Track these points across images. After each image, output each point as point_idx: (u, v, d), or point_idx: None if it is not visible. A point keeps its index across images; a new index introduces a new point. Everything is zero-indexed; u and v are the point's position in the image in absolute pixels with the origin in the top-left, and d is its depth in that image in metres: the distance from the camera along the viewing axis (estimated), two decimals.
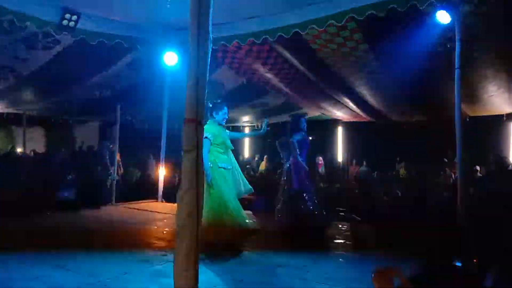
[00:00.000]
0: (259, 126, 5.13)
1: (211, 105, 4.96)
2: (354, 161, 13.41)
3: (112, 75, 8.07)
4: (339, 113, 11.23)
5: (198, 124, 1.76)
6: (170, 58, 7.10)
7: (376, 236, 4.98)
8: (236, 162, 5.12)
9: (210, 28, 1.81)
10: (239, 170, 5.11)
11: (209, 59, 1.85)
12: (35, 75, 7.86)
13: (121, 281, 3.62)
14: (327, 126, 12.96)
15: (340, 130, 13.41)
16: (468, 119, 9.17)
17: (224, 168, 4.78)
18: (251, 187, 5.07)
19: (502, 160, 9.24)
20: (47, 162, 9.71)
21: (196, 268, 1.69)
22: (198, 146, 1.75)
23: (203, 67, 1.80)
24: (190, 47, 1.81)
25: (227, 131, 5.13)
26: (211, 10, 1.85)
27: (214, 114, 4.93)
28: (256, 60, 7.65)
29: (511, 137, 10.40)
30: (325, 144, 13.18)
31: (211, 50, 1.84)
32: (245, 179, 5.10)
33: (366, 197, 7.92)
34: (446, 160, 12.11)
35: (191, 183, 1.71)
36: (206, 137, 4.59)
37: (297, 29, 5.89)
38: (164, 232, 5.62)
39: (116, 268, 3.91)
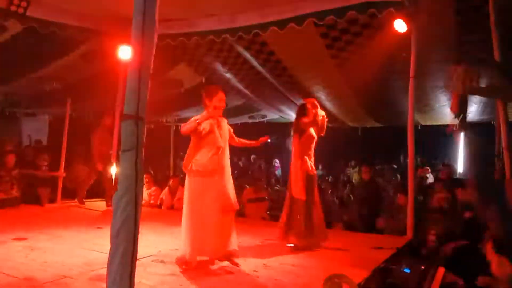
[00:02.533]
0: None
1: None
2: None
3: (63, 66, 7.68)
4: None
5: (138, 120, 1.61)
6: (125, 52, 6.84)
7: (331, 241, 4.97)
8: (229, 166, 4.19)
9: (156, 16, 1.67)
10: (231, 179, 4.19)
11: (154, 50, 1.70)
12: None
13: (59, 285, 3.40)
14: (285, 129, 13.01)
15: None
16: (420, 127, 9.43)
17: (203, 174, 3.96)
18: (237, 205, 4.20)
19: (450, 169, 9.59)
20: None
21: (130, 280, 1.55)
22: (138, 145, 1.60)
23: (147, 57, 1.65)
24: (133, 34, 1.66)
25: (227, 125, 4.24)
26: None
27: (207, 101, 4.03)
28: (216, 59, 7.53)
29: (460, 146, 10.82)
30: (283, 147, 13.24)
31: (156, 40, 1.70)
32: (233, 191, 4.18)
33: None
34: (395, 166, 12.48)
35: (129, 186, 1.56)
36: (195, 121, 3.96)
37: (257, 30, 5.85)
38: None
39: (54, 271, 3.68)
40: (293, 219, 4.80)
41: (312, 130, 4.97)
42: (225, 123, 4.23)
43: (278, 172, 14.76)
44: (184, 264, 3.93)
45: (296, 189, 4.81)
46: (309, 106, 5.03)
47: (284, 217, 4.90)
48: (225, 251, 4.05)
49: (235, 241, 4.16)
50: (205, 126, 3.96)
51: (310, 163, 4.91)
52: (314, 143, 5.02)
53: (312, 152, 5.01)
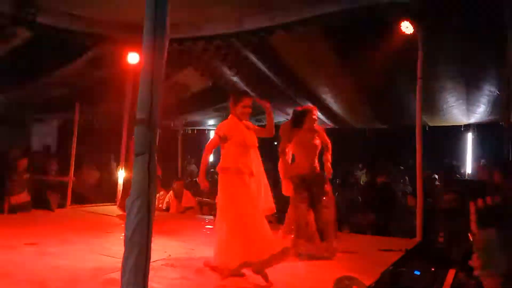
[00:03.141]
0: None
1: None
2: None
3: (72, 72, 7.76)
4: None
5: (151, 125, 1.63)
6: (133, 58, 6.90)
7: (340, 244, 4.96)
8: (262, 167, 4.21)
9: (167, 22, 1.70)
10: (265, 179, 4.20)
11: (166, 55, 1.72)
12: None
13: None
14: None
15: None
16: (427, 128, 9.39)
17: (241, 173, 3.94)
18: (273, 205, 4.21)
19: (452, 168, 9.47)
20: None
21: (144, 282, 1.57)
22: (151, 149, 1.62)
23: (159, 62, 1.67)
24: (145, 39, 1.68)
25: (252, 128, 4.23)
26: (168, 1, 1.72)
27: (232, 106, 4.14)
28: (223, 62, 7.57)
29: (468, 147, 10.75)
30: None
31: (167, 45, 1.72)
32: (270, 193, 4.20)
33: None
34: (402, 168, 12.40)
35: (142, 190, 1.58)
36: (216, 135, 4.06)
37: (264, 33, 5.87)
38: (121, 238, 5.40)
39: (66, 276, 3.71)
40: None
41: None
42: (251, 125, 4.24)
43: None
44: (224, 273, 3.75)
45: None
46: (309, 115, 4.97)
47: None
48: (274, 252, 3.79)
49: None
50: (225, 131, 4.04)
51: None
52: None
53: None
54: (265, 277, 3.67)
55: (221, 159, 4.08)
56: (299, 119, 4.94)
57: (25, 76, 7.92)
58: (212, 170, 11.35)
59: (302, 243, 4.63)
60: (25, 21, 5.75)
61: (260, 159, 4.17)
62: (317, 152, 4.97)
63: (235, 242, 3.74)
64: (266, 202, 4.13)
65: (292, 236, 4.73)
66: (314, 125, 4.95)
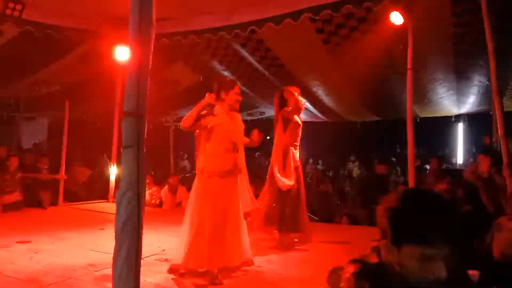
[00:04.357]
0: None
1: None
2: (310, 161, 13.58)
3: (61, 69, 7.68)
4: None
5: (138, 117, 1.61)
6: (122, 53, 6.84)
7: (333, 235, 5.00)
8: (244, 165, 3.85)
9: (154, 11, 1.68)
10: (247, 178, 3.87)
11: (152, 45, 1.70)
12: None
13: (64, 286, 3.42)
14: None
15: None
16: (418, 120, 9.44)
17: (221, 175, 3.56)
18: (253, 206, 3.94)
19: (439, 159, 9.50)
20: None
21: (137, 277, 1.56)
22: (139, 142, 1.61)
23: (145, 54, 1.65)
24: (130, 31, 1.66)
25: (241, 121, 3.89)
26: None
27: (223, 95, 3.72)
28: (213, 57, 7.53)
29: (459, 138, 10.84)
30: None
31: (154, 36, 1.70)
32: (249, 193, 3.89)
33: (321, 196, 7.99)
34: (394, 159, 12.48)
35: (131, 182, 1.57)
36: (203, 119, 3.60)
37: (253, 26, 5.84)
38: (113, 234, 5.37)
39: (59, 273, 3.70)
40: (282, 212, 4.68)
41: (297, 117, 4.93)
42: (239, 118, 3.89)
43: None
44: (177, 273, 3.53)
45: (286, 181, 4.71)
46: (286, 94, 4.97)
47: (265, 209, 4.70)
48: (239, 261, 3.67)
49: (249, 249, 3.79)
50: (211, 119, 3.63)
51: (296, 153, 4.89)
52: (301, 130, 4.96)
53: (298, 142, 4.97)
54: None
55: (201, 158, 3.70)
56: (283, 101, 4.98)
57: (13, 74, 7.84)
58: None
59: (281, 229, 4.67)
60: (11, 17, 5.67)
61: (243, 154, 3.85)
62: None
63: (210, 246, 3.47)
64: (250, 200, 3.86)
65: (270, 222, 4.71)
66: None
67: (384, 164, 7.72)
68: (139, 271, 1.61)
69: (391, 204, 1.18)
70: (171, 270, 3.55)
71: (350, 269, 1.34)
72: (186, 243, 3.52)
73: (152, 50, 1.67)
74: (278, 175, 4.69)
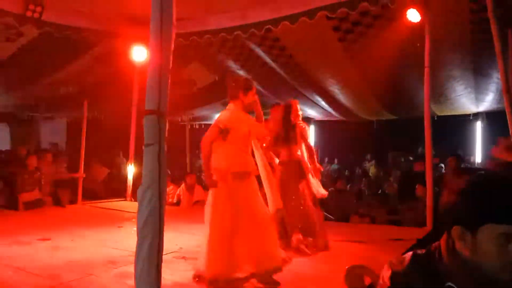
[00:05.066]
0: None
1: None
2: (326, 159, 13.53)
3: (79, 69, 7.81)
4: (310, 112, 11.26)
5: (160, 115, 1.64)
6: (139, 53, 6.92)
7: (350, 234, 4.97)
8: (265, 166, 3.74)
9: (174, 11, 1.70)
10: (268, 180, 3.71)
11: (173, 44, 1.72)
12: None
13: (84, 283, 3.48)
14: None
15: (312, 129, 13.46)
16: (436, 118, 9.33)
17: (240, 176, 3.46)
18: (282, 207, 3.78)
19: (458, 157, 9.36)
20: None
21: (158, 272, 1.59)
22: (160, 140, 1.64)
23: (166, 53, 1.68)
24: (151, 30, 1.69)
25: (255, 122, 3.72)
26: None
27: (240, 95, 3.60)
28: (228, 56, 7.56)
29: (477, 136, 10.66)
30: None
31: (174, 36, 1.73)
32: (276, 194, 3.75)
33: (338, 195, 7.94)
34: (411, 158, 12.34)
35: (153, 179, 1.60)
36: (215, 127, 3.48)
37: (269, 25, 5.85)
38: (133, 232, 5.46)
39: (79, 270, 3.76)
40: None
41: None
42: (253, 120, 3.75)
43: None
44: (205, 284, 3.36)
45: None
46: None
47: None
48: (267, 266, 3.46)
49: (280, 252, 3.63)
50: (227, 123, 3.52)
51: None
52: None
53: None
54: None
55: (216, 159, 3.54)
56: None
57: (33, 74, 8.00)
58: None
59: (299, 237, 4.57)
60: (32, 19, 5.79)
61: (264, 156, 3.76)
62: None
63: (231, 252, 3.36)
64: (274, 201, 3.72)
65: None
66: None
67: (423, 162, 7.58)
68: (161, 266, 1.64)
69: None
70: (196, 277, 3.44)
71: (386, 274, 1.31)
72: (208, 249, 3.39)
73: (172, 49, 1.70)
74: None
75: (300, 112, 4.94)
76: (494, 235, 1.07)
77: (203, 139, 3.55)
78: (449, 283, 1.12)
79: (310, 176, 4.75)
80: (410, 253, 1.27)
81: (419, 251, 1.27)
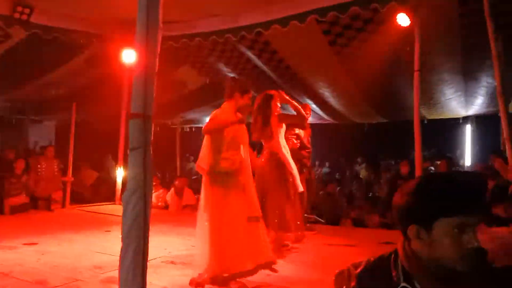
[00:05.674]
0: None
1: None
2: (317, 163, 13.55)
3: (68, 72, 7.73)
4: None
5: (145, 119, 1.61)
6: (129, 56, 6.87)
7: (340, 237, 4.97)
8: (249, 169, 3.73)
9: (160, 13, 1.67)
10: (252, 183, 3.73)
11: (159, 47, 1.69)
12: None
13: None
14: None
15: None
16: (426, 122, 9.38)
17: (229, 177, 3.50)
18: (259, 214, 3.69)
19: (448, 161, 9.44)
20: None
21: (143, 278, 1.56)
22: (146, 144, 1.60)
23: (152, 55, 1.65)
24: (137, 33, 1.66)
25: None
26: None
27: (237, 96, 3.63)
28: (219, 59, 7.54)
29: (467, 139, 10.74)
30: None
31: (160, 38, 1.70)
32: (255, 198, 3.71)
33: (329, 199, 7.95)
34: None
35: (138, 184, 1.57)
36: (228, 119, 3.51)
37: (260, 29, 5.84)
38: (119, 236, 5.38)
39: (66, 275, 3.70)
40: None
41: None
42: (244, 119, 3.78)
43: None
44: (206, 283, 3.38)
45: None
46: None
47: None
48: (262, 261, 3.54)
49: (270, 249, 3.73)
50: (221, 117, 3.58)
51: None
52: None
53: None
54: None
55: (207, 157, 3.57)
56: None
57: (21, 77, 7.90)
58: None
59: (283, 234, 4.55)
60: (20, 21, 5.72)
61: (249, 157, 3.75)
62: None
63: (226, 251, 3.41)
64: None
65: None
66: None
67: (407, 162, 7.59)
68: (146, 272, 1.60)
69: (416, 185, 1.19)
70: (193, 283, 3.41)
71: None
72: (209, 248, 3.41)
73: (158, 52, 1.67)
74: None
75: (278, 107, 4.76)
76: (448, 228, 1.13)
77: (210, 127, 3.55)
78: (404, 284, 1.17)
79: (292, 169, 4.65)
80: (366, 259, 1.34)
81: (372, 258, 1.35)
